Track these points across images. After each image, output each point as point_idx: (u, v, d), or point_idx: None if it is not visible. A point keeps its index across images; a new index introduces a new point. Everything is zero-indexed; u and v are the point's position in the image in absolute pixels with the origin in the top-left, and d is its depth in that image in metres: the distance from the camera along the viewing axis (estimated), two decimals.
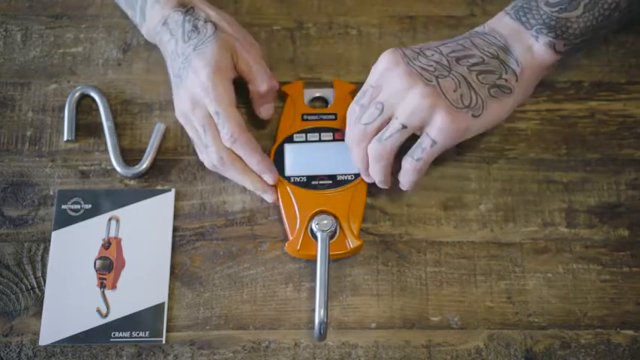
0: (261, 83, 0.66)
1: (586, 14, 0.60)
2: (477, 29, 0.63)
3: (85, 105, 0.71)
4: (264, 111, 0.69)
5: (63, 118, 0.70)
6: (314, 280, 0.60)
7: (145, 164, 0.67)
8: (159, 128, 0.68)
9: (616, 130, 0.70)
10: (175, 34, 0.66)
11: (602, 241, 0.67)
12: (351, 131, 0.62)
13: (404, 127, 0.58)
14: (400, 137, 0.59)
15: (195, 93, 0.63)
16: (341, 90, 0.70)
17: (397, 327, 0.64)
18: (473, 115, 0.58)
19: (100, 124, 0.69)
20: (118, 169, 0.67)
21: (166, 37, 0.66)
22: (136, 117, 0.70)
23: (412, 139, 0.60)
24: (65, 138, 0.69)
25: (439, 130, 0.57)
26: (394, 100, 0.59)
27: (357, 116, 0.61)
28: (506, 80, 0.60)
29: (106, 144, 0.69)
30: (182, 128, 0.68)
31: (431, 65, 0.59)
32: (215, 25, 0.65)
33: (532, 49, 0.60)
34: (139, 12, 0.68)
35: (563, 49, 0.60)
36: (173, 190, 0.68)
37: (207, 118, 0.64)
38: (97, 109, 0.70)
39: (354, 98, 0.63)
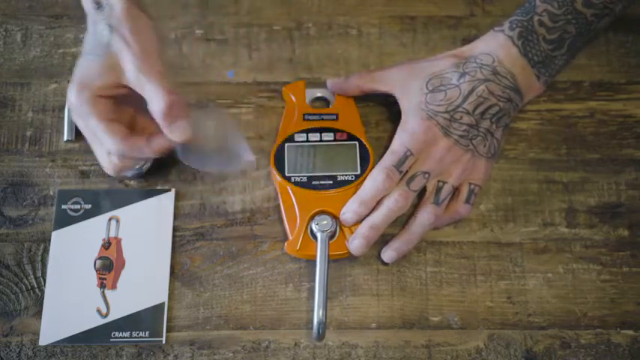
0: (152, 101, 0.57)
1: (567, 53, 0.65)
2: (485, 61, 0.64)
3: None
4: (174, 131, 0.58)
5: (63, 118, 0.70)
6: (314, 280, 0.60)
7: (144, 164, 0.67)
8: None
9: (616, 130, 0.70)
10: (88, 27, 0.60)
11: (602, 241, 0.67)
12: (387, 193, 0.63)
13: (454, 187, 0.64)
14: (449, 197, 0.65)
15: (73, 114, 0.60)
16: None
17: (397, 327, 0.64)
18: (494, 157, 0.66)
19: None
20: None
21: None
22: None
23: None
24: (65, 138, 0.69)
25: (480, 180, 0.65)
26: (440, 169, 0.63)
27: (395, 181, 0.63)
28: (512, 117, 0.67)
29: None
30: None
31: (464, 130, 0.63)
32: (110, 32, 0.57)
33: (533, 86, 0.66)
34: None
35: (547, 84, 0.67)
36: (173, 190, 0.68)
37: (86, 130, 0.61)
38: None
39: (386, 160, 0.63)
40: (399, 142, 0.63)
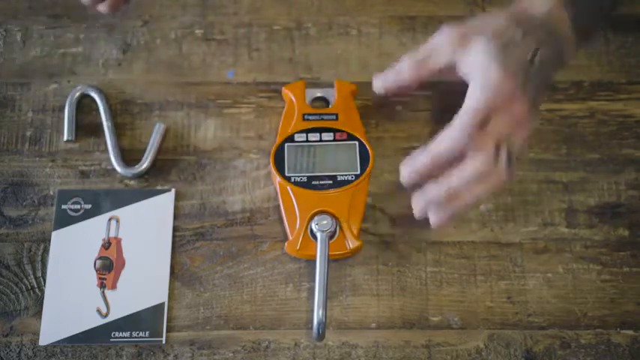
0: None
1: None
2: (540, 19, 0.60)
3: (85, 105, 0.71)
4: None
5: (63, 118, 0.70)
6: (314, 280, 0.60)
7: (144, 164, 0.67)
8: (159, 128, 0.68)
9: (616, 130, 0.70)
10: None
11: (602, 241, 0.67)
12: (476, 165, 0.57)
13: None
14: None
15: None
16: (342, 90, 0.70)
17: (397, 327, 0.64)
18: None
19: (100, 124, 0.69)
20: (117, 169, 0.67)
21: None
22: (136, 117, 0.70)
23: None
24: (65, 138, 0.69)
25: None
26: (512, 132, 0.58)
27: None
28: None
29: (106, 144, 0.69)
30: (182, 128, 0.68)
31: (534, 91, 0.59)
32: None
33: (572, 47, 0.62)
34: None
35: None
36: (173, 190, 0.68)
37: None
38: (97, 109, 0.70)
39: (463, 119, 0.57)
40: (477, 98, 0.57)
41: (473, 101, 0.57)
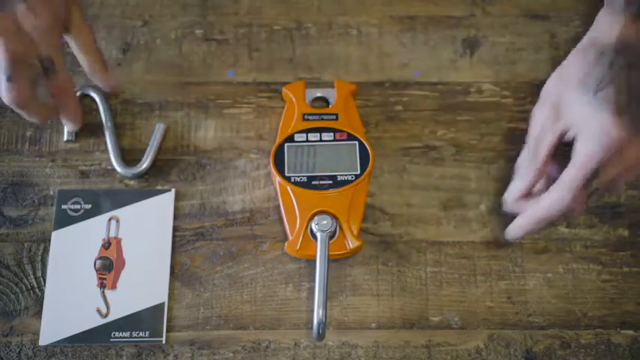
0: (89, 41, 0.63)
1: None
2: (616, 44, 0.59)
3: (85, 105, 0.71)
4: (110, 78, 0.66)
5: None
6: (314, 280, 0.60)
7: (144, 164, 0.67)
8: (159, 128, 0.68)
9: None
10: None
11: (602, 241, 0.67)
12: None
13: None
14: None
15: (25, 28, 0.58)
16: (342, 90, 0.70)
17: (397, 327, 0.64)
18: None
19: (100, 124, 0.69)
20: (118, 169, 0.67)
21: None
22: (136, 117, 0.70)
23: None
24: (65, 138, 0.69)
25: None
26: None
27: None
28: None
29: (106, 144, 0.69)
30: (182, 128, 0.68)
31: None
32: None
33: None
34: None
35: None
36: (173, 190, 0.68)
37: (28, 56, 0.59)
38: (97, 109, 0.70)
39: (573, 175, 0.56)
40: (589, 154, 0.55)
41: (583, 157, 0.56)
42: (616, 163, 0.55)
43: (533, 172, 0.58)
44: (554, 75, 0.61)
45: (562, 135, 0.58)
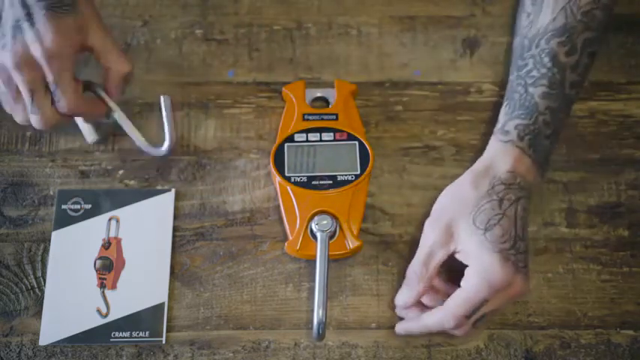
0: (118, 65, 0.63)
1: (556, 142, 0.64)
2: (510, 180, 0.61)
3: None
4: (119, 91, 0.65)
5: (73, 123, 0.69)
6: (314, 280, 0.60)
7: (168, 141, 0.66)
8: (165, 101, 0.66)
9: (616, 130, 0.70)
10: None
11: (602, 241, 0.67)
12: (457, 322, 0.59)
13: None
14: None
15: (34, 54, 0.59)
16: (342, 90, 0.70)
17: None
18: None
19: (99, 125, 0.69)
20: (146, 150, 0.66)
21: None
22: (135, 117, 0.70)
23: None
24: (90, 141, 0.68)
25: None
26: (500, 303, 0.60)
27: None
28: None
29: (124, 131, 0.66)
30: (182, 128, 0.68)
31: (524, 258, 0.60)
32: None
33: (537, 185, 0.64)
34: None
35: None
36: (173, 190, 0.68)
37: (39, 83, 0.60)
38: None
39: (458, 306, 0.58)
40: (475, 290, 0.58)
41: (470, 291, 0.58)
42: (500, 296, 0.59)
43: (422, 284, 0.61)
44: (448, 192, 0.62)
45: (452, 253, 0.61)
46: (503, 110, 0.64)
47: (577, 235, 0.67)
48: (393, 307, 0.64)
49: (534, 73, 0.63)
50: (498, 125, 0.64)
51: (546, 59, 0.63)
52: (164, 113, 0.66)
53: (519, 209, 0.60)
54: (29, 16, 0.59)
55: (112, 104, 0.66)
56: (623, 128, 0.71)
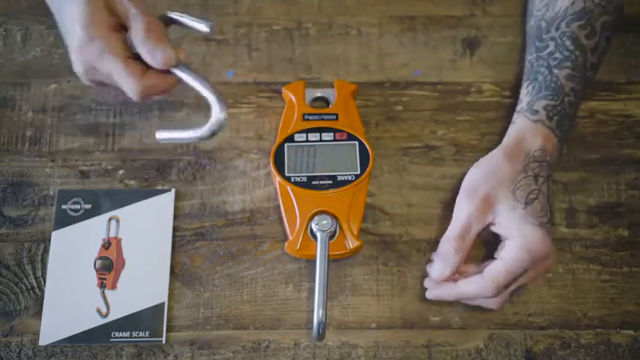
0: (138, 22, 0.59)
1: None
2: (541, 157, 0.62)
3: (84, 105, 0.71)
4: (156, 55, 0.59)
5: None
6: (314, 280, 0.60)
7: (216, 103, 0.61)
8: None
9: (616, 130, 0.70)
10: None
11: (602, 241, 0.67)
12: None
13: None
14: None
15: (81, 55, 0.58)
16: (342, 90, 0.70)
17: (397, 327, 0.64)
18: None
19: (99, 125, 0.69)
20: (219, 109, 0.61)
21: None
22: (135, 117, 0.70)
23: None
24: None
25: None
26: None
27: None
28: None
29: (195, 90, 0.62)
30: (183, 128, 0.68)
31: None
32: None
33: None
34: None
35: None
36: (173, 190, 0.68)
37: (110, 71, 0.59)
38: (98, 109, 0.70)
39: (500, 275, 0.59)
40: (518, 259, 0.59)
41: (513, 262, 0.59)
42: (538, 267, 0.61)
43: (459, 256, 0.61)
44: (480, 167, 0.63)
45: (488, 225, 0.62)
46: (526, 90, 0.65)
47: (577, 235, 0.67)
48: (422, 284, 0.64)
49: (557, 55, 0.64)
50: (522, 104, 0.65)
51: (568, 42, 0.64)
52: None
53: (549, 186, 0.62)
54: (60, 8, 0.59)
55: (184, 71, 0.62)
56: (623, 128, 0.71)
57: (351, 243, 0.63)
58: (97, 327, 0.63)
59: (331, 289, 0.65)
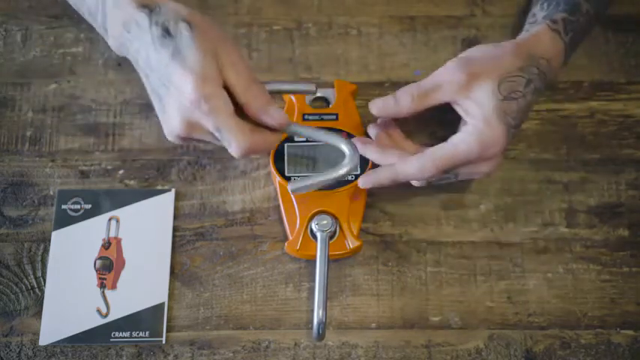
0: (250, 91, 0.56)
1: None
2: (544, 69, 0.61)
3: (84, 105, 0.71)
4: (272, 116, 0.57)
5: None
6: (314, 280, 0.60)
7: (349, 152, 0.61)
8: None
9: (616, 130, 0.70)
10: (143, 41, 0.55)
11: (602, 241, 0.67)
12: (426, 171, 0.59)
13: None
14: None
15: (186, 112, 0.54)
16: (342, 90, 0.70)
17: (397, 327, 0.64)
18: None
19: (99, 125, 0.69)
20: (351, 151, 0.60)
21: (134, 47, 0.57)
22: (135, 117, 0.70)
23: None
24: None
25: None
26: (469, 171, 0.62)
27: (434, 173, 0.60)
28: None
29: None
30: None
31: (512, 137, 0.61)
32: (190, 25, 0.54)
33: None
34: (100, 19, 0.60)
35: None
36: (173, 190, 0.68)
37: (211, 134, 0.56)
38: (97, 109, 0.70)
39: (444, 157, 0.59)
40: (468, 148, 0.58)
41: (462, 151, 0.58)
42: (478, 164, 0.60)
43: (409, 108, 0.60)
44: (485, 49, 0.62)
45: (454, 101, 0.60)
46: (540, 6, 0.64)
47: (577, 235, 0.67)
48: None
49: None
50: (537, 17, 0.64)
51: None
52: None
53: (535, 99, 0.61)
54: (164, 74, 0.54)
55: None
56: (623, 128, 0.71)
57: (351, 243, 0.63)
58: (97, 327, 0.63)
59: (331, 289, 0.65)
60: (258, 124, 0.57)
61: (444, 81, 0.60)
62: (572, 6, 0.63)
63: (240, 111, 0.56)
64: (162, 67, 0.55)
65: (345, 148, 0.60)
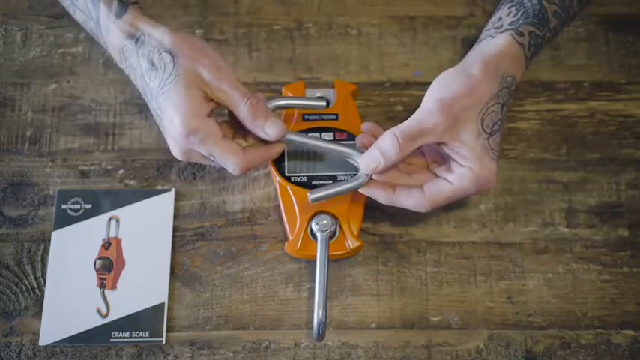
0: (243, 108, 0.59)
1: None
2: (510, 84, 0.61)
3: (84, 105, 0.71)
4: (269, 129, 0.60)
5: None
6: (314, 280, 0.60)
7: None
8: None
9: (616, 130, 0.70)
10: (136, 73, 0.60)
11: (602, 241, 0.67)
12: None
13: None
14: None
15: (180, 143, 0.59)
16: (342, 90, 0.70)
17: (397, 327, 0.64)
18: None
19: (99, 125, 0.69)
20: (359, 157, 0.62)
21: (132, 76, 0.62)
22: (135, 117, 0.70)
23: None
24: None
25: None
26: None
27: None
28: None
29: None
30: None
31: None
32: (172, 56, 0.58)
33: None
34: (102, 43, 0.64)
35: None
36: (173, 190, 0.68)
37: (206, 157, 0.61)
38: (97, 109, 0.70)
39: (445, 198, 0.60)
40: (465, 189, 0.59)
41: (459, 191, 0.60)
42: (471, 194, 0.61)
43: (398, 159, 0.59)
44: (460, 83, 0.59)
45: (440, 143, 0.60)
46: (508, 10, 0.63)
47: (577, 235, 0.67)
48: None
49: None
50: (503, 22, 0.62)
51: None
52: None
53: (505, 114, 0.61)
54: (157, 105, 0.59)
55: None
56: (623, 128, 0.71)
57: (351, 243, 0.63)
58: (97, 327, 0.63)
59: (331, 289, 0.65)
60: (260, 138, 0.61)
61: (427, 126, 0.58)
62: (540, 19, 0.62)
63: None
64: (153, 98, 0.59)
65: (353, 155, 0.63)
